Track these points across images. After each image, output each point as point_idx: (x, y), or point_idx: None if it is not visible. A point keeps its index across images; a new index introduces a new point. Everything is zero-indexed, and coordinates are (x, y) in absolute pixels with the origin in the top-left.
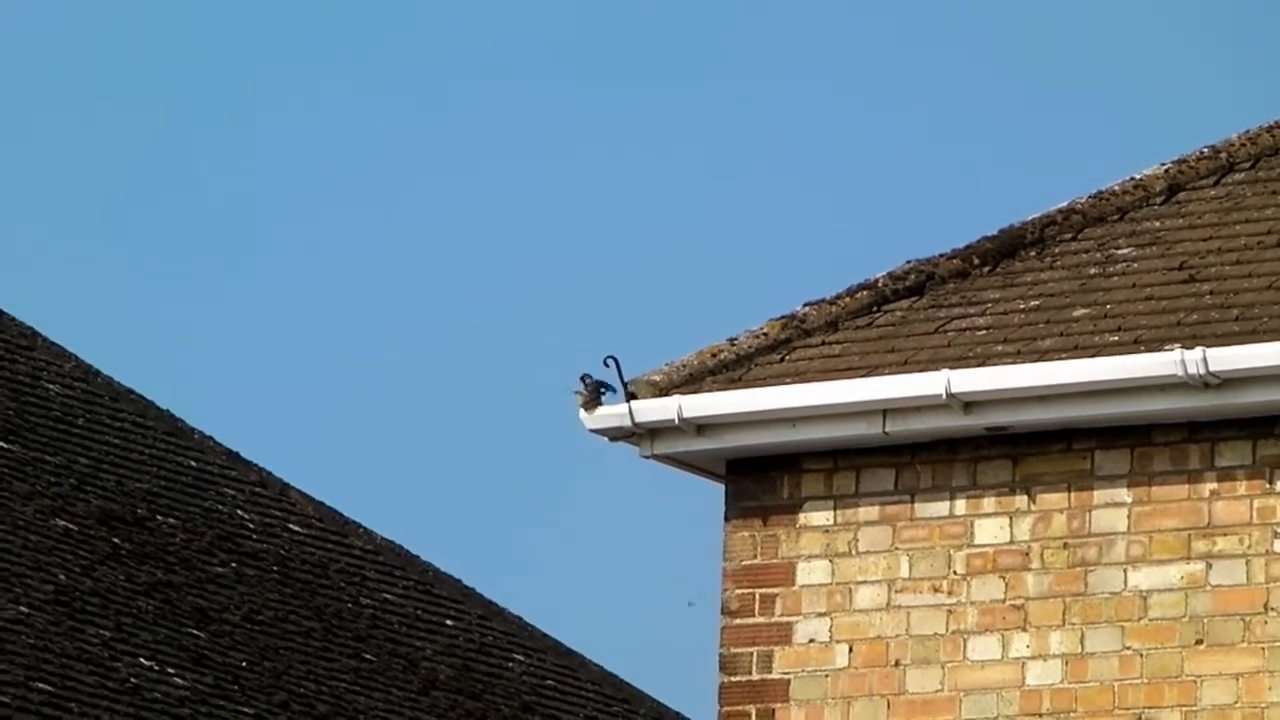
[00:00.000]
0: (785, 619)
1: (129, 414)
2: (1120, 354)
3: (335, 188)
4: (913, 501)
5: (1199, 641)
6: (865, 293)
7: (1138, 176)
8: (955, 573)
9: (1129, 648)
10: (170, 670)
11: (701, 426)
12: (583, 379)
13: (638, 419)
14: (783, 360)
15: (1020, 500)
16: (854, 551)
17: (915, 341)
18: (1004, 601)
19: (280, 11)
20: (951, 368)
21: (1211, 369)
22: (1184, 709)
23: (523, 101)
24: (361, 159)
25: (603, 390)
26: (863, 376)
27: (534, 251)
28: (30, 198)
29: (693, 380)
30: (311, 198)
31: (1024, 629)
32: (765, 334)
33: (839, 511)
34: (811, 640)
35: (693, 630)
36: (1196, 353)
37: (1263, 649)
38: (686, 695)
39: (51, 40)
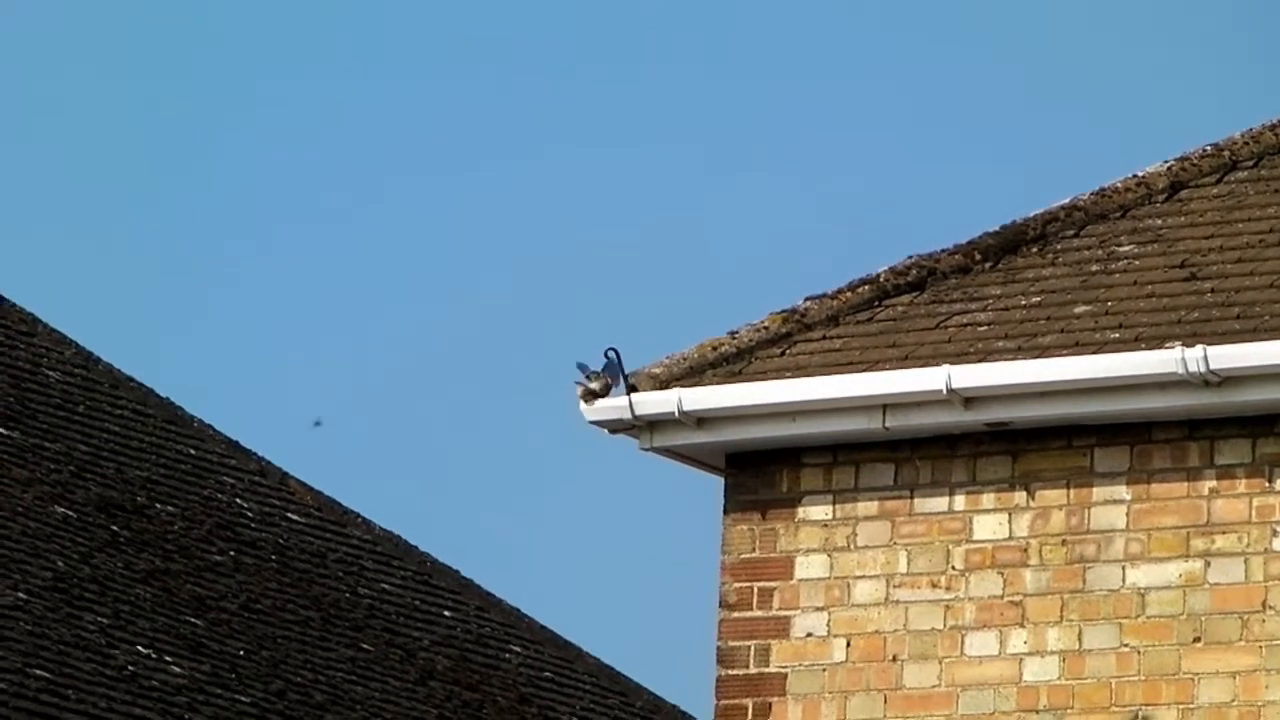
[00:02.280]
0: (783, 613)
1: (129, 401)
2: (1121, 351)
3: (336, 179)
4: (912, 497)
5: (1196, 639)
6: (866, 287)
7: (1140, 174)
8: (954, 568)
9: (1126, 645)
10: (168, 658)
11: (701, 420)
12: (588, 374)
13: (637, 411)
14: (783, 354)
15: (1019, 496)
16: (852, 546)
17: (916, 336)
18: (1002, 597)
19: (277, 8)
20: (952, 363)
21: (1212, 367)
22: (1181, 707)
23: (525, 96)
24: (363, 152)
25: (615, 376)
26: (863, 371)
27: (535, 244)
28: (31, 185)
29: (693, 373)
30: (312, 189)
31: (1022, 625)
32: (766, 327)
33: (838, 506)
34: (809, 634)
35: (691, 623)
36: (1197, 350)
37: (1260, 647)
38: (683, 688)
39: (51, 29)
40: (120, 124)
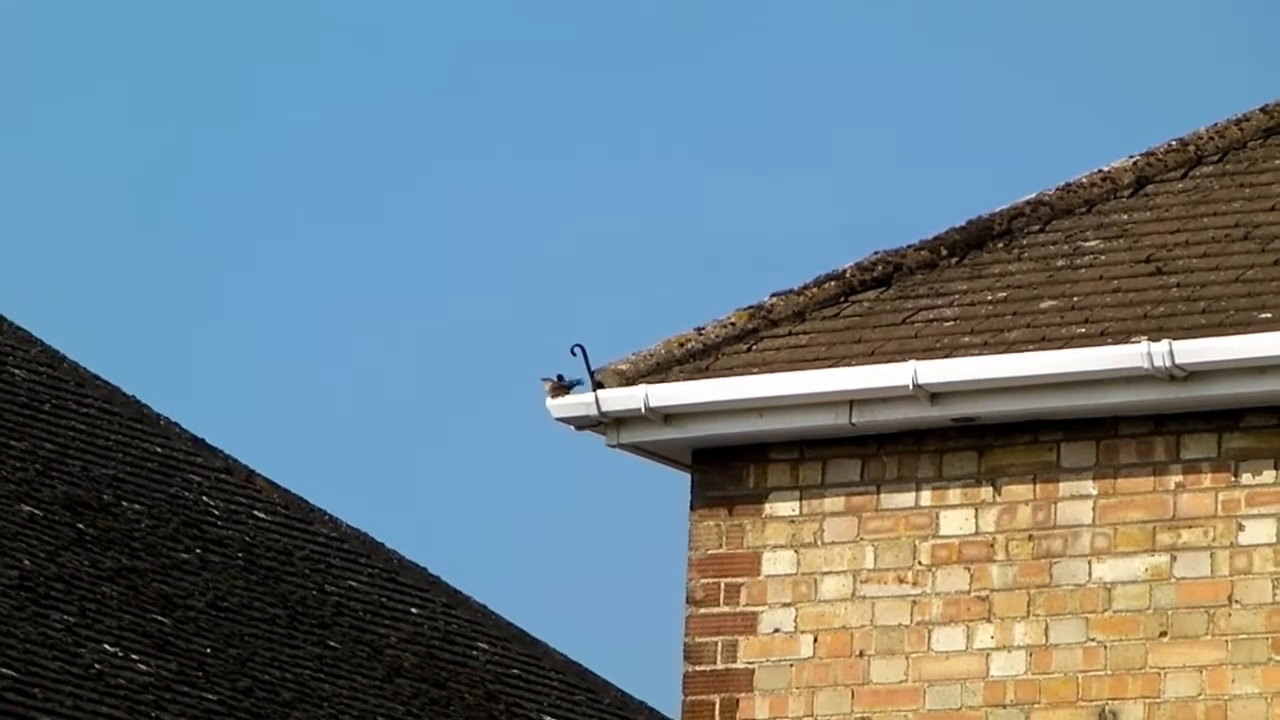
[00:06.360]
0: (750, 609)
1: (94, 399)
2: (1087, 346)
3: (308, 183)
4: (878, 492)
5: (1163, 634)
6: (832, 283)
7: (1106, 169)
8: (920, 564)
9: (1093, 639)
10: (134, 656)
11: (668, 416)
12: (548, 381)
13: (604, 408)
14: (749, 350)
15: (986, 492)
16: (819, 542)
17: (882, 332)
18: (969, 593)
19: (272, 13)
20: (918, 359)
21: (1178, 361)
22: (1147, 701)
23: (495, 96)
24: (340, 155)
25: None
26: (829, 367)
27: (502, 242)
28: None
29: (659, 370)
30: (283, 191)
31: (988, 620)
32: (732, 324)
33: (805, 502)
34: (776, 630)
35: (658, 619)
36: (1163, 345)
37: (1226, 641)
38: (651, 684)
39: (42, 28)
40: (91, 126)
